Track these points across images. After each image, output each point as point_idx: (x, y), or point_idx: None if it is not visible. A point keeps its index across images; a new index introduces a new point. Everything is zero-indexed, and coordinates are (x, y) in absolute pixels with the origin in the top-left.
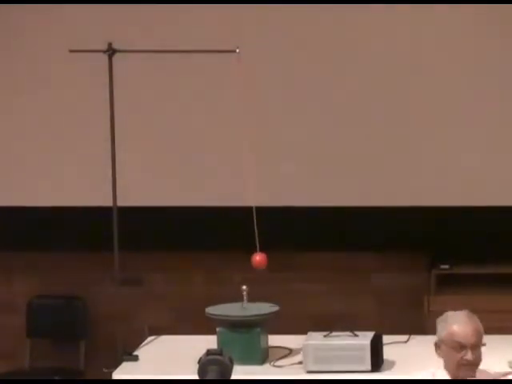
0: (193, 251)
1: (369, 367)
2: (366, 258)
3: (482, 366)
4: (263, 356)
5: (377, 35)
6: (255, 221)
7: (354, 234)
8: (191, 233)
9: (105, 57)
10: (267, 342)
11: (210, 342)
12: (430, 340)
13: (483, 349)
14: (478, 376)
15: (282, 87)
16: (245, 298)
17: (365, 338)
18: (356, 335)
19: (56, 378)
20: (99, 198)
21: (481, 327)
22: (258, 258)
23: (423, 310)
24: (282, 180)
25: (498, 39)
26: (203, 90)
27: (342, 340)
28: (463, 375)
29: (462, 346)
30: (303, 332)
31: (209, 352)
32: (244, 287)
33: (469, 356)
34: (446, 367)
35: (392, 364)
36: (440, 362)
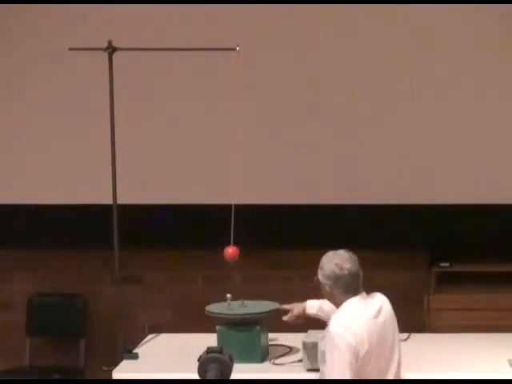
0: (193, 249)
1: None
2: (365, 256)
3: (481, 364)
4: (263, 354)
5: (379, 33)
6: (233, 217)
7: (353, 231)
8: (191, 231)
9: (105, 55)
10: (267, 340)
11: (209, 340)
12: (430, 338)
13: (485, 347)
14: None
15: (281, 85)
16: (228, 303)
17: None
18: None
19: (56, 376)
20: (99, 195)
21: (319, 268)
22: (231, 250)
23: (423, 308)
24: (282, 178)
25: (501, 38)
26: (203, 88)
27: None
28: None
29: None
30: (303, 330)
31: (209, 350)
32: (228, 295)
33: None
34: None
35: None
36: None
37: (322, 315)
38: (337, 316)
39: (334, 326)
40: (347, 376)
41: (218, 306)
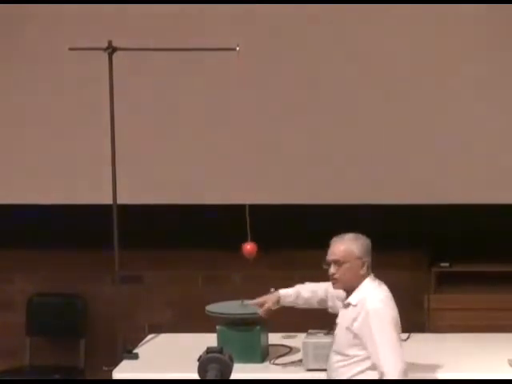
0: (193, 249)
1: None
2: None
3: (481, 364)
4: (263, 354)
5: (380, 33)
6: (248, 217)
7: (353, 232)
8: (191, 231)
9: (105, 55)
10: (267, 340)
11: (209, 340)
12: (430, 338)
13: (485, 347)
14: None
15: (281, 85)
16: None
17: None
18: None
19: (56, 376)
20: (99, 195)
21: (348, 247)
22: (249, 247)
23: (423, 308)
24: (282, 178)
25: (502, 39)
26: (203, 88)
27: None
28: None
29: (328, 263)
30: (303, 330)
31: (209, 350)
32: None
33: (330, 271)
34: None
35: None
36: None
37: (300, 303)
38: (367, 294)
39: (371, 303)
40: (399, 345)
41: (218, 306)
